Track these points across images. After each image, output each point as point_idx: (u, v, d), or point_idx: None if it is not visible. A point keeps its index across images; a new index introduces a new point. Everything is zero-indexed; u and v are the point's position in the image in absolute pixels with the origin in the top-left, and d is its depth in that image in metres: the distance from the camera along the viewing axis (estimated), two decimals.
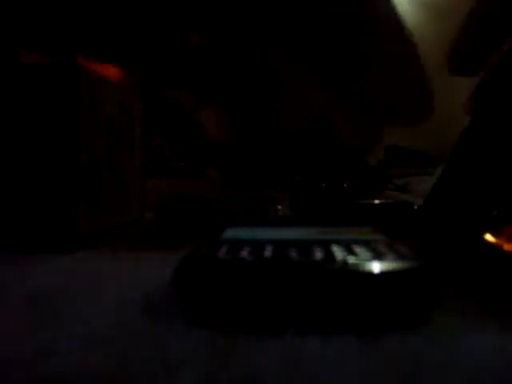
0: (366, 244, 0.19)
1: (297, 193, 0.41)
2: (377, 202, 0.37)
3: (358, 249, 0.18)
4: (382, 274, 0.16)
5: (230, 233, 0.24)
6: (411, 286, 0.16)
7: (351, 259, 0.17)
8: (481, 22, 0.25)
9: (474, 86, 0.26)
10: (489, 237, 0.20)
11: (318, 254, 0.18)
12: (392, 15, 0.20)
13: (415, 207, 0.35)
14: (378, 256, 0.17)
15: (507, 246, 0.19)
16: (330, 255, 0.18)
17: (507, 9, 0.24)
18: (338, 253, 0.18)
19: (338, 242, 0.20)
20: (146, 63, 0.21)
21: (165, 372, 0.13)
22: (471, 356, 0.14)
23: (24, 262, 0.26)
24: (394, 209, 0.36)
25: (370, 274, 0.16)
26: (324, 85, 0.20)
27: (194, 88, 0.22)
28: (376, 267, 0.16)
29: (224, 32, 0.20)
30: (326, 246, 0.19)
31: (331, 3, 0.19)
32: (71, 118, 0.29)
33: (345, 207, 0.36)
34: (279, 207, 0.37)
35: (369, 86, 0.20)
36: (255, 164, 0.24)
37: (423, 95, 0.21)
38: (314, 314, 0.16)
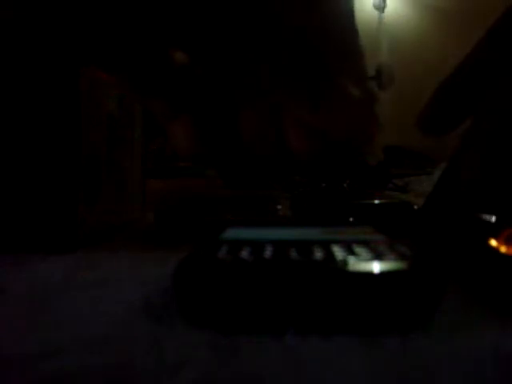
0: (365, 244, 0.19)
1: (297, 193, 0.41)
2: (377, 201, 0.37)
3: (357, 249, 0.18)
4: (382, 274, 0.16)
5: (230, 233, 0.24)
6: (411, 285, 0.16)
7: (351, 259, 0.17)
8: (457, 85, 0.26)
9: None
10: (488, 239, 0.20)
11: (318, 254, 0.18)
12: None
13: (415, 207, 0.35)
14: (378, 256, 0.17)
15: (504, 249, 0.19)
16: (330, 255, 0.18)
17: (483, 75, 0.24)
18: (338, 253, 0.18)
19: (338, 242, 0.20)
20: (129, 71, 0.22)
21: (165, 372, 0.13)
22: (471, 356, 0.14)
23: (24, 261, 0.26)
24: (393, 209, 0.36)
25: (370, 274, 0.16)
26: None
27: (169, 100, 0.22)
28: (376, 267, 0.16)
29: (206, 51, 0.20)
30: (325, 246, 0.19)
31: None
32: (71, 117, 0.29)
33: (345, 207, 0.36)
34: (279, 207, 0.37)
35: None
36: (255, 164, 0.24)
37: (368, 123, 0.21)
38: (314, 314, 0.16)
